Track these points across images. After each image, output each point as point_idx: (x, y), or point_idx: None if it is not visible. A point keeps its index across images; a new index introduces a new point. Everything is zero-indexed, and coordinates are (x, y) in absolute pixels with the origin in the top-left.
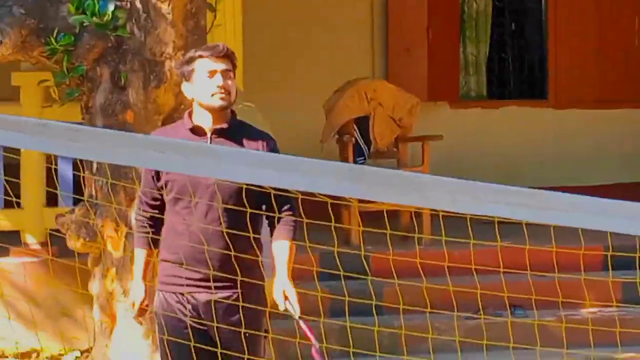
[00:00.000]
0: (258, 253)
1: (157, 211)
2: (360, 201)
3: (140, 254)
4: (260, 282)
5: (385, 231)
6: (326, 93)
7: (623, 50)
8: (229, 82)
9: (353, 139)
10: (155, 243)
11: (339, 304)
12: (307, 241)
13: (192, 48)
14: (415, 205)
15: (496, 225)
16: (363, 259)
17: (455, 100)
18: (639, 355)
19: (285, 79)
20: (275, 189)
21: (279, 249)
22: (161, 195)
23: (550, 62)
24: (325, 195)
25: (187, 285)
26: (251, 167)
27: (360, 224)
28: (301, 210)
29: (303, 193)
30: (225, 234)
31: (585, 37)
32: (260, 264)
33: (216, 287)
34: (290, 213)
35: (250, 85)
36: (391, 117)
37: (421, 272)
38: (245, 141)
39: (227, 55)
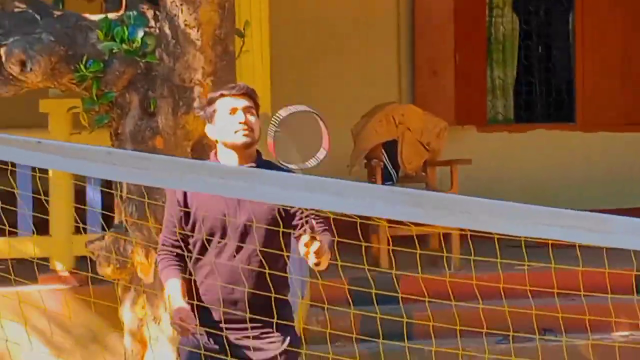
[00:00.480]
0: (287, 291)
1: (180, 250)
2: (389, 225)
3: (175, 284)
4: (291, 322)
5: (416, 251)
6: (354, 117)
7: None
8: (252, 118)
9: (381, 164)
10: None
11: (369, 328)
12: (338, 262)
13: (221, 74)
14: (468, 228)
15: (544, 250)
16: (394, 281)
17: (483, 124)
18: None
19: (312, 103)
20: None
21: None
22: (185, 238)
23: (578, 84)
24: (353, 218)
25: (217, 329)
26: (310, 192)
27: (390, 248)
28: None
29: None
30: (255, 274)
31: (612, 59)
32: (289, 302)
33: (246, 330)
34: (326, 228)
35: (278, 110)
36: (419, 142)
37: (451, 295)
38: None
39: (248, 93)
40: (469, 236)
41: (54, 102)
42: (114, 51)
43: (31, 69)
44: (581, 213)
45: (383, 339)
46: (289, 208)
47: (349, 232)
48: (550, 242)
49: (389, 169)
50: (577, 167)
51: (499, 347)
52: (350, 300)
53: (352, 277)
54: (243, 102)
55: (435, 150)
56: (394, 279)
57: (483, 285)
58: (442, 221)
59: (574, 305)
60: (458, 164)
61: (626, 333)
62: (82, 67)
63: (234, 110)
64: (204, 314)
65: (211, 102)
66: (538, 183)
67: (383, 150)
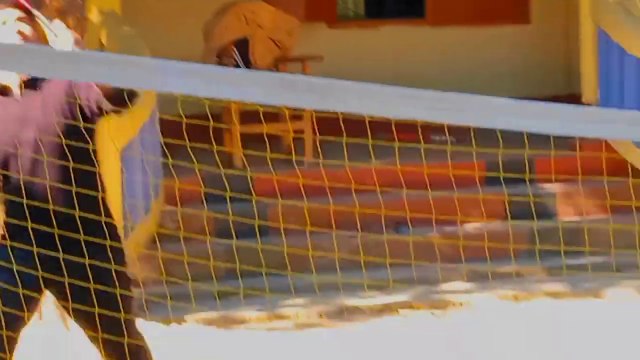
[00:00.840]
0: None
1: None
2: (242, 124)
3: None
4: (111, 220)
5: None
6: (204, 15)
7: None
8: (24, 26)
9: (233, 61)
10: None
11: (225, 226)
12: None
13: None
14: (338, 111)
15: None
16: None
17: (333, 21)
18: (521, 269)
19: (162, 3)
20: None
21: None
22: None
23: None
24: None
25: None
26: (181, 78)
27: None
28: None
29: (187, 117)
30: (62, 186)
31: None
32: (107, 204)
33: (65, 243)
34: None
35: (128, 11)
36: (271, 39)
37: (304, 192)
38: (49, 84)
39: (17, 4)
40: (341, 120)
41: None
42: None
43: None
44: (444, 93)
45: (240, 237)
46: (77, 112)
47: (202, 130)
48: (416, 122)
49: (241, 66)
50: (429, 64)
51: (352, 241)
52: (204, 200)
53: (206, 174)
54: (14, 13)
55: (286, 48)
56: (249, 178)
57: (336, 181)
58: (314, 105)
59: (427, 200)
60: (309, 60)
61: (479, 225)
62: None
63: (5, 22)
64: (15, 234)
65: None
66: (392, 80)
67: (234, 48)
